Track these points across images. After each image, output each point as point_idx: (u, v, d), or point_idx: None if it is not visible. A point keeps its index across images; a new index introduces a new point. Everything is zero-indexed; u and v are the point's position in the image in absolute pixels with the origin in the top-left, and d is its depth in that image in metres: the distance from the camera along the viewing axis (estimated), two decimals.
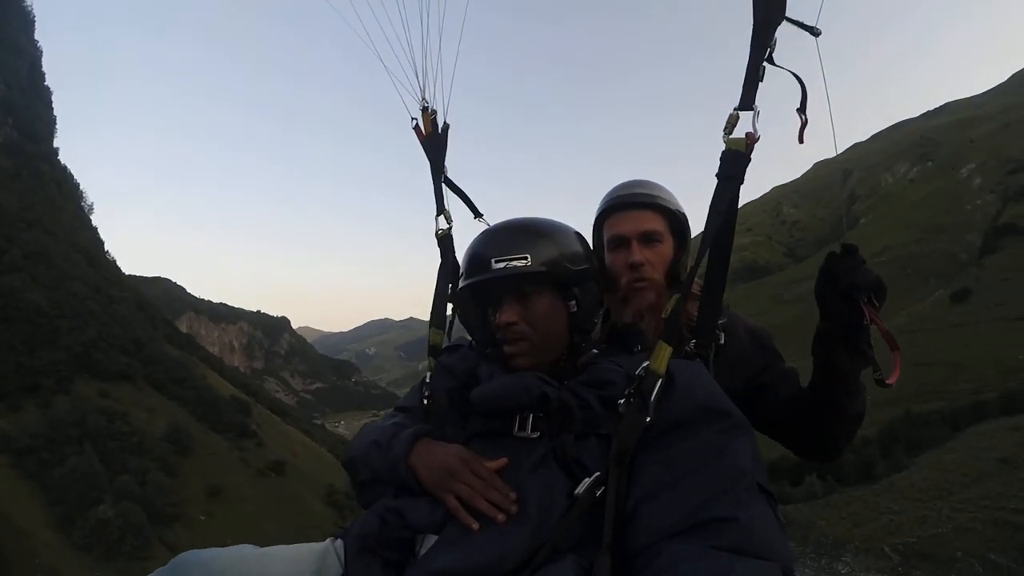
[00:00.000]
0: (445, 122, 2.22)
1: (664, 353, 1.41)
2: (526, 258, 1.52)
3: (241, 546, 1.43)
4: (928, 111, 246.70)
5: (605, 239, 2.07)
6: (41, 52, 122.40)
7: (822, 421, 1.86)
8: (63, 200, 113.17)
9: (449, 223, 2.15)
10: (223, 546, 1.45)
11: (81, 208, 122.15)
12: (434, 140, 2.21)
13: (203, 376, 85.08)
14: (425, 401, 1.74)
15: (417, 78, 2.16)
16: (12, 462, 50.04)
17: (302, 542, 1.52)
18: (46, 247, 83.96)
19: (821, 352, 1.77)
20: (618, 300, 1.99)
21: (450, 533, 1.33)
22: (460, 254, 1.93)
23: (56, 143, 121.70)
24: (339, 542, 1.50)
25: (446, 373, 1.72)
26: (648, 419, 1.34)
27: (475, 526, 1.30)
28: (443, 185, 2.19)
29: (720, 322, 1.80)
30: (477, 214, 2.21)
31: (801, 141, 1.60)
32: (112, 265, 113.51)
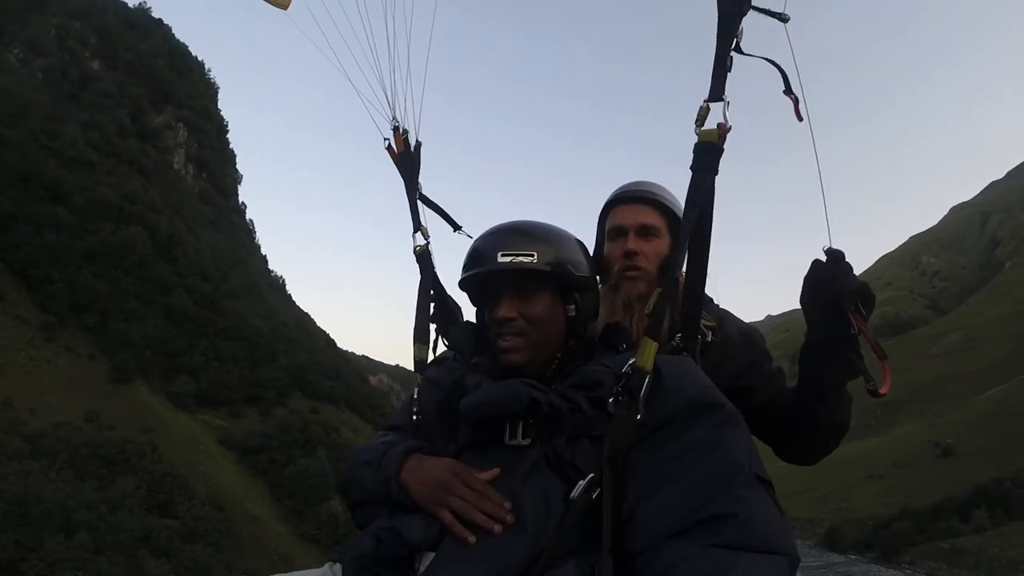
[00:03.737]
0: (417, 140, 2.23)
1: (650, 349, 1.40)
2: (532, 255, 1.50)
3: None
4: None
5: (606, 230, 2.10)
6: (226, 121, 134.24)
7: (803, 430, 1.86)
8: (252, 247, 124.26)
9: (426, 239, 2.17)
10: None
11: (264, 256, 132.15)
12: (407, 158, 2.23)
13: (390, 407, 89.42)
14: (415, 417, 1.71)
15: (387, 98, 2.17)
16: (237, 459, 55.22)
17: None
18: (256, 282, 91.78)
19: (807, 364, 1.76)
20: (609, 288, 1.99)
21: (447, 548, 1.32)
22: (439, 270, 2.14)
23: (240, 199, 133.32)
24: (337, 566, 1.48)
25: (433, 386, 1.70)
26: (639, 417, 1.32)
27: (471, 539, 1.28)
28: (419, 202, 2.20)
29: (711, 324, 1.86)
30: (456, 227, 2.22)
31: (800, 118, 1.60)
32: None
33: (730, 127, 1.54)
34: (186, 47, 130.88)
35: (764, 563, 1.10)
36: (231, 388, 66.55)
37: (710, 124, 1.56)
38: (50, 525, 31.48)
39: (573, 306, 1.57)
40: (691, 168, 1.58)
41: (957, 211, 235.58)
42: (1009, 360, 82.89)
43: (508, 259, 1.50)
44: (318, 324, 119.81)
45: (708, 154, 1.56)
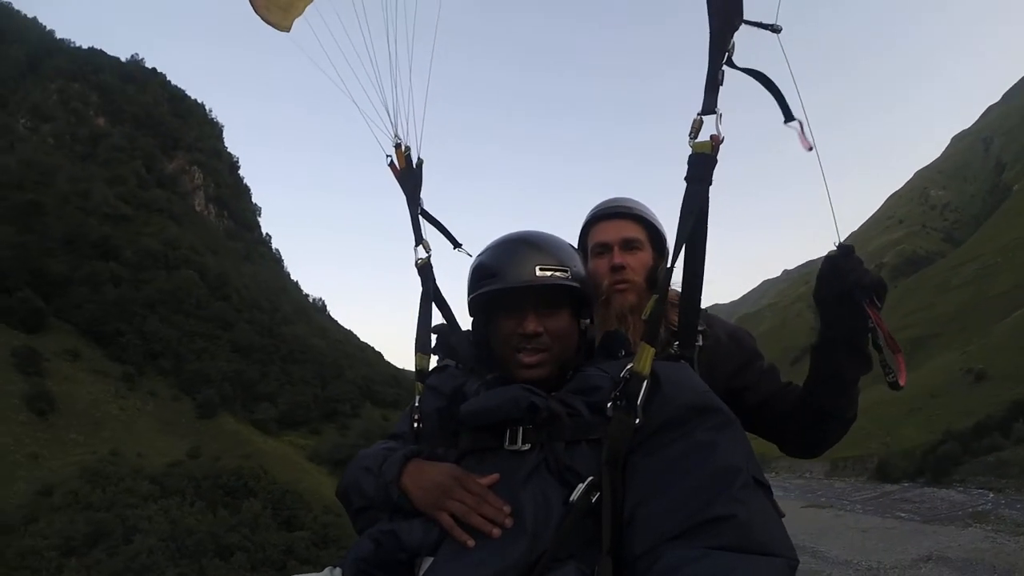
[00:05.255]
0: (419, 158, 2.25)
1: (647, 354, 1.40)
2: (567, 271, 1.53)
3: None
4: None
5: (589, 247, 2.13)
6: (235, 157, 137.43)
7: (815, 424, 1.89)
8: (283, 275, 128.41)
9: (428, 252, 2.15)
10: None
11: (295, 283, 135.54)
12: (408, 173, 2.24)
13: None
14: (416, 424, 1.70)
15: (389, 116, 2.19)
16: (331, 471, 57.62)
17: None
18: (302, 306, 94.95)
19: (822, 359, 1.78)
20: (600, 304, 1.99)
21: (446, 552, 1.32)
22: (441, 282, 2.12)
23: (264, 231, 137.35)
24: (338, 570, 1.48)
25: (434, 393, 1.71)
26: (637, 421, 1.33)
27: (471, 542, 1.29)
28: (420, 217, 2.20)
29: (699, 328, 1.83)
30: (456, 244, 2.21)
31: (809, 148, 1.59)
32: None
33: (723, 139, 1.56)
34: (184, 92, 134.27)
35: (762, 566, 1.09)
36: (307, 408, 70.61)
37: (703, 136, 1.58)
38: (206, 553, 33.94)
39: (589, 320, 1.63)
40: (685, 179, 1.58)
41: (959, 140, 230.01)
42: None
43: (548, 274, 1.51)
44: (361, 339, 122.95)
45: (702, 165, 1.57)
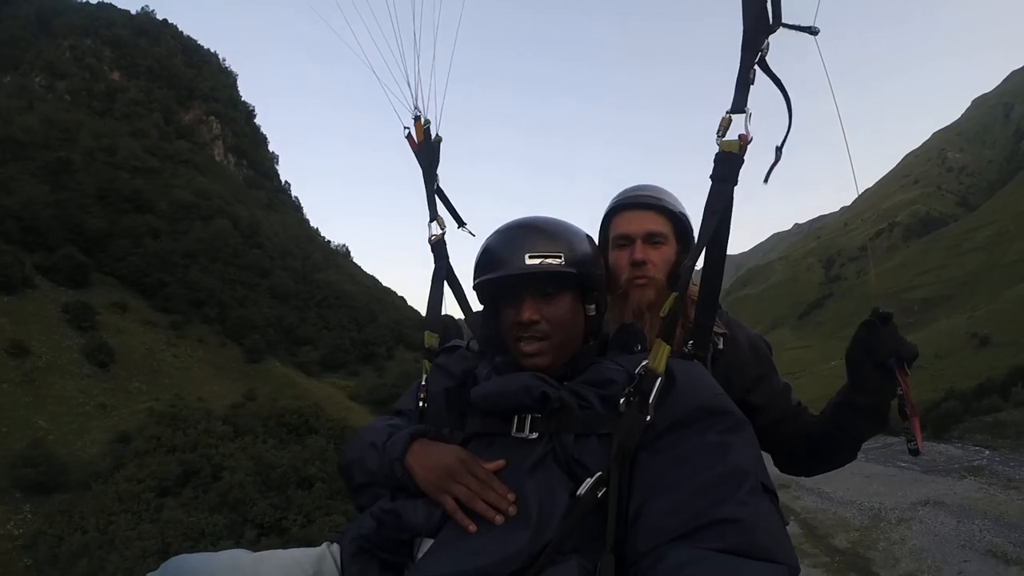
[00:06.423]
0: (438, 135, 2.21)
1: (663, 352, 1.38)
2: (560, 256, 1.47)
3: (234, 551, 1.40)
4: None
5: (610, 237, 2.03)
6: (251, 106, 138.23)
7: (815, 461, 1.95)
8: (306, 223, 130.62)
9: (442, 229, 2.13)
10: None
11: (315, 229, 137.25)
12: (426, 148, 2.20)
13: None
14: (421, 403, 1.69)
15: (409, 88, 2.15)
16: (372, 411, 60.08)
17: None
18: (328, 252, 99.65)
19: (845, 419, 1.78)
20: (618, 297, 1.96)
21: (447, 535, 1.30)
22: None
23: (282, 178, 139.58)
24: (335, 546, 1.49)
25: (443, 374, 1.70)
26: (648, 418, 1.31)
27: (472, 528, 1.27)
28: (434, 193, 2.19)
29: (722, 332, 1.88)
30: (461, 223, 2.19)
31: (766, 180, 1.60)
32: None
33: (751, 138, 1.52)
34: (197, 42, 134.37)
35: (765, 572, 1.08)
36: (346, 351, 74.64)
37: (731, 135, 1.53)
38: (289, 484, 36.80)
39: (593, 306, 1.56)
40: (711, 177, 1.55)
41: (979, 104, 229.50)
42: None
43: (537, 261, 1.46)
44: (383, 284, 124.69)
45: (728, 164, 1.53)
